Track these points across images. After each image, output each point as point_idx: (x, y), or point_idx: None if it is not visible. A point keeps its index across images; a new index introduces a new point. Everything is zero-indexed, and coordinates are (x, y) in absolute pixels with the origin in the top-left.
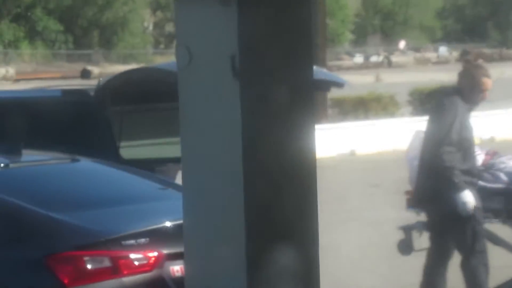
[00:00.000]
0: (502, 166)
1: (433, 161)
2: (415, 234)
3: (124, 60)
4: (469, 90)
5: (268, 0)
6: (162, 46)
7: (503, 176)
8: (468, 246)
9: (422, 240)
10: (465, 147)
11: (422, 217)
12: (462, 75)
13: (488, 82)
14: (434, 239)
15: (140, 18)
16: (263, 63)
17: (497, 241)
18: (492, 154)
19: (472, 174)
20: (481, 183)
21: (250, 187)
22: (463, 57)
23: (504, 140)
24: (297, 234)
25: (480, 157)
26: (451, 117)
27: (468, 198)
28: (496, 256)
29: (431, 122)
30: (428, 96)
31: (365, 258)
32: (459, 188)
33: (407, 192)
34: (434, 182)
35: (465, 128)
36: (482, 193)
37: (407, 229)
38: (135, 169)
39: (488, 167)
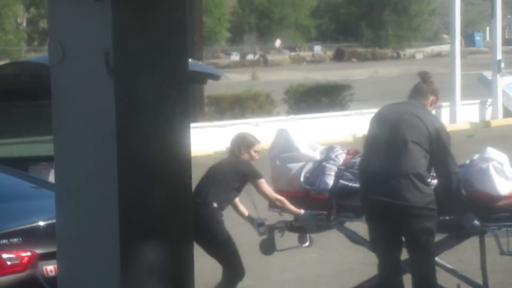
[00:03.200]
0: None
1: (451, 180)
2: (277, 234)
3: None
4: (430, 105)
5: None
6: (36, 43)
7: None
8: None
9: (284, 240)
10: None
11: (284, 217)
12: (430, 92)
13: None
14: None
15: (13, 14)
16: (137, 59)
17: (357, 239)
18: (353, 153)
19: None
20: (342, 182)
21: (124, 185)
22: (424, 77)
23: None
24: (170, 231)
25: (341, 156)
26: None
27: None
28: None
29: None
30: (303, 94)
31: None
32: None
33: None
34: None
35: None
36: (344, 193)
37: (270, 229)
38: (7, 168)
39: (349, 166)
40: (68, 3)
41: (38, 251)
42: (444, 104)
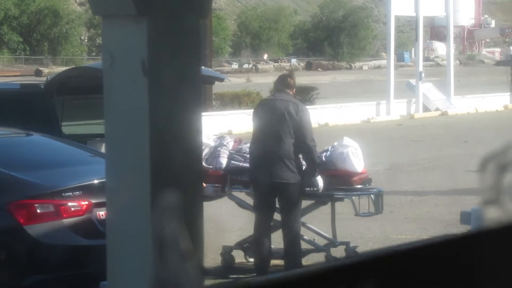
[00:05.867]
0: (247, 150)
1: (309, 149)
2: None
3: (66, 63)
4: (293, 95)
5: (167, 20)
6: (94, 53)
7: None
8: (296, 210)
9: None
10: None
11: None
12: (294, 85)
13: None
14: (264, 209)
15: (77, 33)
16: (163, 64)
17: (244, 205)
18: (239, 141)
19: None
20: (233, 162)
21: (153, 150)
22: (291, 74)
23: (335, 125)
24: (184, 182)
25: (230, 143)
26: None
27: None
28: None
29: (284, 120)
30: None
31: None
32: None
33: None
34: (285, 164)
35: None
36: (236, 170)
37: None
38: (72, 142)
39: (237, 150)
40: (116, 24)
41: (93, 200)
42: (382, 101)
